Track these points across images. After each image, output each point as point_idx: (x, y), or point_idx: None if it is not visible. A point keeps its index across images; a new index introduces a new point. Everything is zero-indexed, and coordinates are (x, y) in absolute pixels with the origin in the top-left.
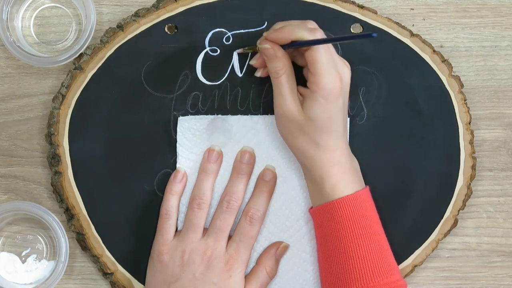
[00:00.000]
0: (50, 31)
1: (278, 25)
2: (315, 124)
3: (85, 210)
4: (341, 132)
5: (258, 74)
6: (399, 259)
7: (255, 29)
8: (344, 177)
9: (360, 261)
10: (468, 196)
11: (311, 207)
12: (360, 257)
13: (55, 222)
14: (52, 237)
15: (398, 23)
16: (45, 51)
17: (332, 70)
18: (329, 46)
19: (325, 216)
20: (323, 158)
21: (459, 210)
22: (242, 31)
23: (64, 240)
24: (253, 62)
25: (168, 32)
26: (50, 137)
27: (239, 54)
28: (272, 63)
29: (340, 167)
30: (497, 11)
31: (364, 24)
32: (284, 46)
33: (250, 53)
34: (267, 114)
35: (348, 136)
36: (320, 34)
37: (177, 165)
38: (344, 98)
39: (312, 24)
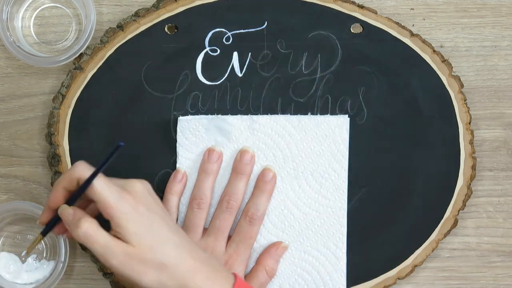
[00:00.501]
0: (50, 31)
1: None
2: (144, 243)
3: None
4: (177, 240)
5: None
6: (399, 259)
7: (255, 29)
8: (212, 281)
9: None
10: (468, 196)
11: None
12: None
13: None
14: (52, 237)
15: (398, 23)
16: (45, 51)
17: (112, 187)
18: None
19: None
20: (178, 275)
21: (459, 210)
22: (242, 31)
23: (64, 240)
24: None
25: (168, 32)
26: (50, 137)
27: (239, 55)
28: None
29: (202, 274)
30: (497, 11)
31: (364, 24)
32: (71, 201)
33: (249, 54)
34: (267, 114)
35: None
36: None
37: (177, 165)
38: (152, 207)
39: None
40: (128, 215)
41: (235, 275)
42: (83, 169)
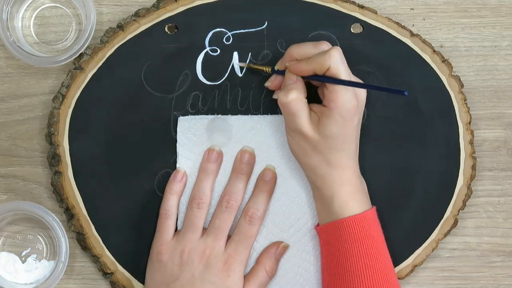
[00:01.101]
0: (50, 31)
1: (294, 49)
2: (330, 142)
3: (85, 210)
4: (353, 151)
5: (275, 96)
6: (399, 259)
7: (255, 29)
8: (354, 196)
9: (366, 281)
10: (468, 196)
11: (317, 225)
12: (367, 277)
13: (55, 222)
14: (52, 237)
15: (398, 23)
16: (45, 51)
17: (349, 88)
18: (345, 66)
19: (332, 234)
20: (335, 177)
21: (459, 210)
22: (242, 31)
23: (64, 240)
24: (268, 84)
25: (168, 32)
26: (50, 137)
27: (239, 55)
28: (289, 87)
29: (350, 186)
30: (497, 11)
31: (364, 24)
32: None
33: (250, 54)
34: (267, 114)
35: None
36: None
37: (177, 165)
38: (359, 117)
39: (326, 45)
40: (342, 117)
41: (374, 208)
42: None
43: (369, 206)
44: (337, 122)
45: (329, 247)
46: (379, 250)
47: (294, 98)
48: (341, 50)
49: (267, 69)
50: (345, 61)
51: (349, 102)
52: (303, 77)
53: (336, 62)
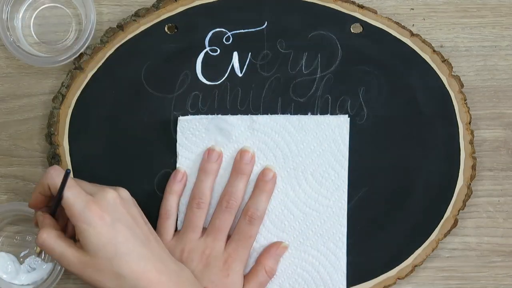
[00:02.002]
0: (50, 31)
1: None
2: (100, 256)
3: None
4: (143, 252)
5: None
6: (399, 259)
7: (255, 29)
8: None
9: None
10: (468, 196)
11: None
12: None
13: None
14: None
15: (398, 23)
16: (45, 51)
17: (80, 196)
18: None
19: None
20: (139, 285)
21: (459, 210)
22: (242, 31)
23: None
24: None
25: (168, 32)
26: (50, 137)
27: (239, 56)
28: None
29: (163, 284)
30: (497, 11)
31: (364, 24)
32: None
33: (249, 54)
34: (267, 114)
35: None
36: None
37: (177, 165)
38: (117, 216)
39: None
40: (90, 226)
41: None
42: (54, 176)
43: None
44: (89, 233)
45: None
46: None
47: (44, 238)
48: (56, 168)
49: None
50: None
51: (83, 209)
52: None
53: (51, 178)
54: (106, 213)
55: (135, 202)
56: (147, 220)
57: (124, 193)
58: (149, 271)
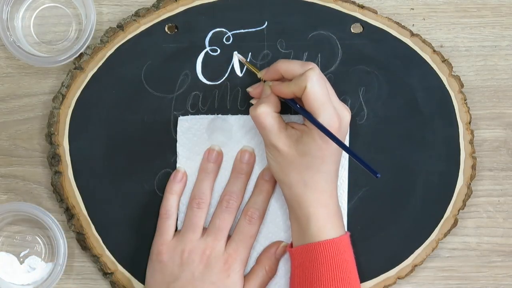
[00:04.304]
0: (50, 31)
1: (281, 64)
2: (307, 161)
3: (85, 210)
4: (332, 174)
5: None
6: (399, 259)
7: (255, 29)
8: (330, 220)
9: None
10: (468, 196)
11: (291, 245)
12: None
13: (54, 224)
14: (51, 238)
15: (398, 23)
16: (45, 51)
17: (329, 108)
18: (323, 89)
19: (307, 257)
20: (311, 198)
21: (459, 210)
22: (242, 31)
23: (62, 242)
24: (250, 90)
25: (168, 32)
26: (50, 137)
27: (239, 53)
28: (260, 101)
29: (327, 210)
30: (497, 11)
31: (364, 24)
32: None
33: (250, 54)
34: None
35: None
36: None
37: (177, 165)
38: (342, 139)
39: (312, 65)
40: (320, 139)
41: (348, 233)
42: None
43: (344, 231)
44: (316, 141)
45: (302, 270)
46: (351, 275)
47: (262, 111)
48: (318, 72)
49: (258, 74)
50: (325, 82)
51: (329, 122)
52: (283, 99)
53: (312, 83)
54: (338, 136)
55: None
56: None
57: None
58: (326, 192)
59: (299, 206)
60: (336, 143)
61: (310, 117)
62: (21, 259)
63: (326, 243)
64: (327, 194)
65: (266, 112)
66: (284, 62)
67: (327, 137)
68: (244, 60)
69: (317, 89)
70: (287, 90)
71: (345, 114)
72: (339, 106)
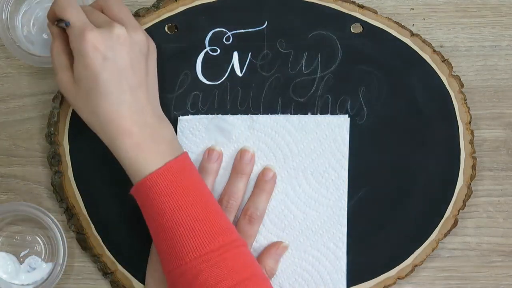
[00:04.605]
0: None
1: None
2: (82, 86)
3: (85, 210)
4: (124, 97)
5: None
6: (399, 259)
7: (255, 29)
8: (142, 149)
9: (186, 232)
10: (468, 196)
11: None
12: (186, 228)
13: (54, 224)
14: (51, 238)
15: (398, 22)
16: (45, 51)
17: (81, 22)
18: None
19: (141, 195)
20: (108, 130)
21: (459, 210)
22: (242, 31)
23: (62, 243)
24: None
25: (168, 32)
26: (50, 137)
27: (239, 56)
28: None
29: (131, 139)
30: (497, 11)
31: (364, 24)
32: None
33: (249, 54)
34: (267, 114)
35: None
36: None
37: None
38: (113, 54)
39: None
40: (81, 55)
41: (185, 154)
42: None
43: (174, 154)
44: (79, 60)
45: (144, 209)
46: (194, 198)
47: (52, 47)
48: None
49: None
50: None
51: (77, 33)
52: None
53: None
54: (102, 47)
55: (154, 50)
56: (154, 72)
57: (138, 36)
58: (122, 117)
59: (105, 141)
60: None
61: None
62: (21, 259)
63: (150, 177)
64: (124, 121)
65: (56, 47)
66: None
67: (84, 50)
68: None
69: (71, 26)
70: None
71: (115, 28)
72: (106, 21)
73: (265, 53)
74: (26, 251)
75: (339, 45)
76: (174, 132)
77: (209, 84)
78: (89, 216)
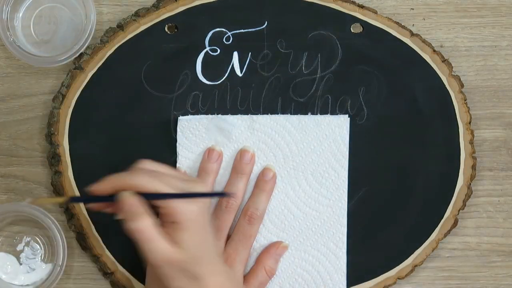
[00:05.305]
0: (50, 31)
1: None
2: (192, 253)
3: (85, 210)
4: (213, 254)
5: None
6: (399, 259)
7: (255, 29)
8: None
9: None
10: (468, 196)
11: None
12: None
13: (54, 225)
14: (51, 238)
15: (398, 22)
16: (45, 51)
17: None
18: (156, 179)
19: None
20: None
21: (459, 210)
22: (242, 31)
23: (62, 243)
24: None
25: (168, 32)
26: (50, 137)
27: (239, 55)
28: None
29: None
30: (497, 11)
31: (364, 24)
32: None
33: (249, 54)
34: (267, 114)
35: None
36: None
37: (177, 165)
38: (207, 221)
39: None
40: (191, 223)
41: None
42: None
43: None
44: (189, 230)
45: None
46: None
47: (144, 225)
48: (146, 164)
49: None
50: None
51: (190, 210)
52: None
53: (136, 180)
54: (201, 216)
55: None
56: None
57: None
58: (217, 274)
59: None
60: (199, 196)
61: (162, 195)
62: (21, 260)
63: None
64: (220, 276)
65: (147, 224)
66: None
67: (196, 219)
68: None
69: (142, 181)
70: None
71: (195, 187)
72: (182, 184)
73: (265, 53)
74: (26, 252)
75: (339, 45)
76: None
77: (209, 84)
78: (89, 216)
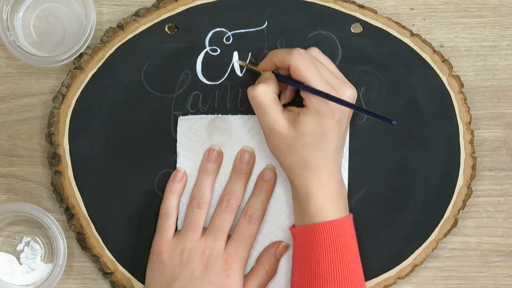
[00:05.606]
0: (50, 31)
1: (272, 54)
2: (306, 139)
3: (85, 210)
4: (332, 152)
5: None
6: (399, 259)
7: (255, 29)
8: (330, 200)
9: (336, 287)
10: (468, 196)
11: (293, 225)
12: (337, 284)
13: (54, 225)
14: (51, 238)
15: (398, 22)
16: (45, 51)
17: (317, 82)
18: (308, 68)
19: (306, 237)
20: (311, 178)
21: (459, 210)
22: (242, 31)
23: (62, 243)
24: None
25: (168, 32)
26: (50, 137)
27: (239, 56)
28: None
29: (327, 190)
30: (497, 11)
31: (364, 24)
32: (286, 81)
33: (250, 54)
34: None
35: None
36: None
37: (177, 165)
38: (341, 117)
39: (314, 51)
40: (319, 113)
41: (351, 215)
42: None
43: (347, 212)
44: (314, 117)
45: (302, 250)
46: (351, 258)
47: (260, 91)
48: (302, 51)
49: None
50: (310, 60)
51: (325, 103)
52: (282, 82)
53: (294, 60)
54: (337, 112)
55: None
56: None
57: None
58: (325, 171)
59: (300, 187)
60: (338, 102)
61: (308, 88)
62: (21, 260)
63: (324, 224)
64: (327, 173)
65: (265, 91)
66: (275, 51)
67: (325, 112)
68: (245, 63)
69: (300, 65)
70: (269, 60)
71: (344, 89)
72: (335, 81)
73: (265, 53)
74: (26, 252)
75: (339, 45)
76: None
77: (209, 84)
78: (89, 216)
